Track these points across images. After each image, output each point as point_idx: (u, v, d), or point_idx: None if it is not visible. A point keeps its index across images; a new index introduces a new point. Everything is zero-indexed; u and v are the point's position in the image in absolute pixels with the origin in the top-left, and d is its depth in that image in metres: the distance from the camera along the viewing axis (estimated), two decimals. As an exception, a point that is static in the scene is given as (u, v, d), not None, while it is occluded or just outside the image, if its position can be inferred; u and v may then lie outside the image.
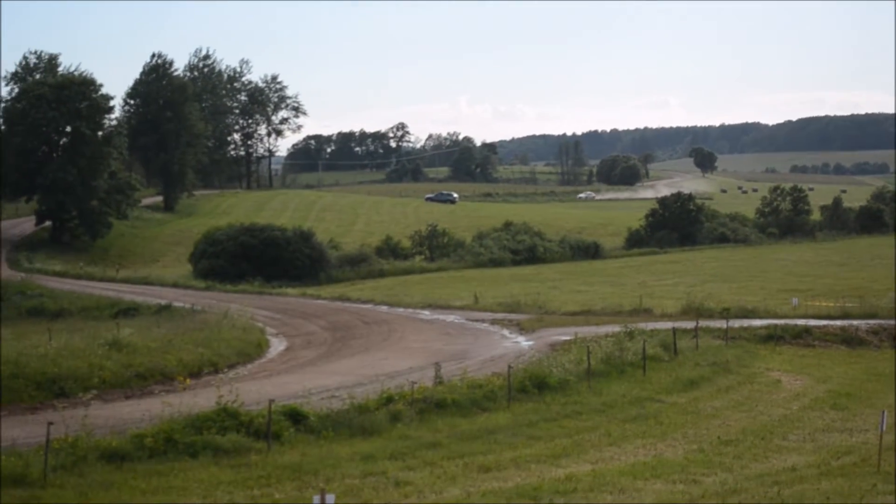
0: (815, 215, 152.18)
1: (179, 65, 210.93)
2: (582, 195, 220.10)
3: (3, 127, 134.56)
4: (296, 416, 29.13)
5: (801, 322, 56.46)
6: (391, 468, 24.80)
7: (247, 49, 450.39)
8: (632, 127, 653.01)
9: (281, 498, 21.64)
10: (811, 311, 61.16)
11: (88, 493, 21.76)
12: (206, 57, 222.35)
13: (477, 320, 63.59)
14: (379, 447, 27.28)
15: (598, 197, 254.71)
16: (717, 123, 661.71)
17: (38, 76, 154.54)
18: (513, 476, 24.16)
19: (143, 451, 25.24)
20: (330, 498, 14.96)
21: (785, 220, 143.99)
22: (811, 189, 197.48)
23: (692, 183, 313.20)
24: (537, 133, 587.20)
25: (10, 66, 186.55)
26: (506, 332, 58.12)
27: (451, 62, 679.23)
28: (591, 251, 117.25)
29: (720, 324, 53.94)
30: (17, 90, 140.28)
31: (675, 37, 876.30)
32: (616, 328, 51.74)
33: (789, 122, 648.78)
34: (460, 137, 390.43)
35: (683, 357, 45.29)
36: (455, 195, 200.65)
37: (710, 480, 23.54)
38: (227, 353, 49.52)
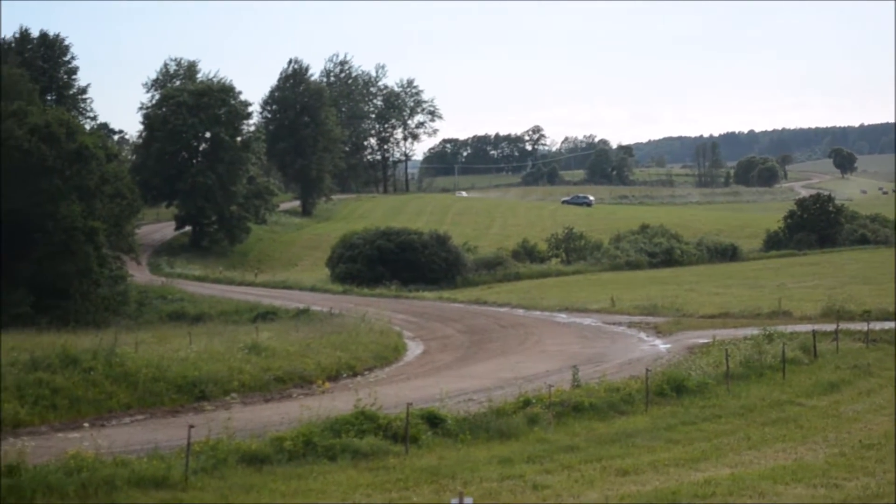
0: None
1: (315, 70, 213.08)
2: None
3: (144, 133, 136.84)
4: (433, 420, 29.17)
5: (945, 324, 55.15)
6: (529, 471, 24.69)
7: (382, 54, 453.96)
8: (769, 128, 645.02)
9: (418, 502, 21.64)
10: (955, 313, 59.75)
11: (228, 496, 21.99)
12: (343, 62, 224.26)
13: (614, 323, 63.25)
14: (516, 450, 27.21)
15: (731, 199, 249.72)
16: (856, 124, 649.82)
17: (177, 83, 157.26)
18: (651, 480, 23.90)
19: (282, 454, 25.44)
20: (468, 500, 14.88)
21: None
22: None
23: (831, 184, 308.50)
24: (674, 135, 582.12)
25: (151, 73, 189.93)
26: (643, 335, 57.78)
27: (587, 64, 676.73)
28: (728, 253, 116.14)
29: (861, 326, 52.82)
30: (157, 96, 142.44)
31: (813, 35, 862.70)
32: (755, 331, 51.05)
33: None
34: (596, 140, 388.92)
35: (823, 360, 44.50)
36: (591, 198, 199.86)
37: (851, 485, 23.07)
38: (364, 356, 49.82)
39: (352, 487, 22.93)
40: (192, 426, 24.55)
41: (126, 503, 21.24)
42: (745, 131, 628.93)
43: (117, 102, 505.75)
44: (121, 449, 25.92)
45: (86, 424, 31.13)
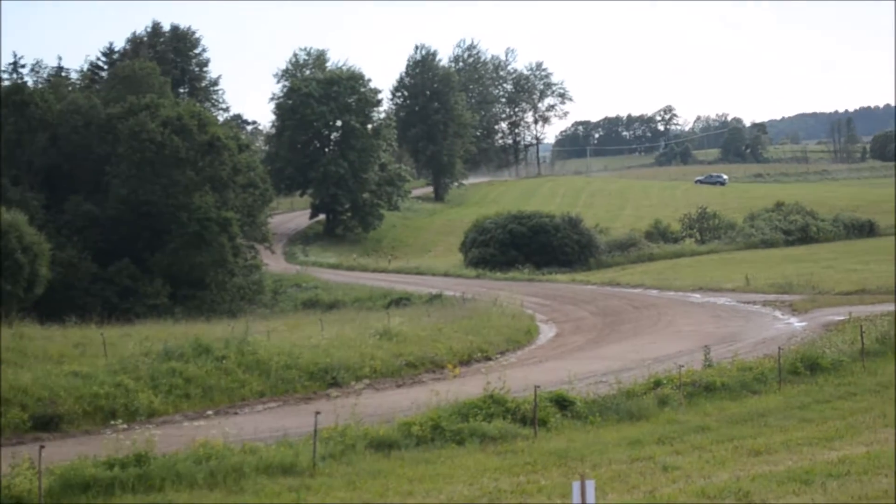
0: None
1: (443, 56, 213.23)
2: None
3: (276, 123, 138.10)
4: (562, 402, 29.04)
5: None
6: (659, 453, 24.45)
7: (511, 38, 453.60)
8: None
9: (546, 484, 21.46)
10: None
11: (356, 482, 22.03)
12: (471, 47, 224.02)
13: (748, 302, 62.44)
14: (646, 432, 26.97)
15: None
16: None
17: (307, 72, 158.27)
18: (784, 459, 23.49)
19: (410, 439, 25.49)
20: (590, 482, 14.72)
21: None
22: None
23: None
24: (807, 111, 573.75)
25: (281, 63, 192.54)
26: (778, 313, 57.02)
27: (719, 40, 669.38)
28: (865, 229, 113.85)
29: None
30: (287, 86, 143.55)
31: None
32: (892, 307, 49.98)
33: None
34: (729, 118, 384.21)
35: (965, 335, 43.46)
36: (725, 177, 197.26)
37: None
38: (496, 340, 49.76)
39: (479, 471, 22.87)
40: (318, 412, 24.63)
41: (253, 490, 21.36)
42: (882, 106, 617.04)
43: (250, 94, 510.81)
44: (250, 436, 26.12)
45: (209, 412, 31.40)
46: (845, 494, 19.94)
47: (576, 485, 14.78)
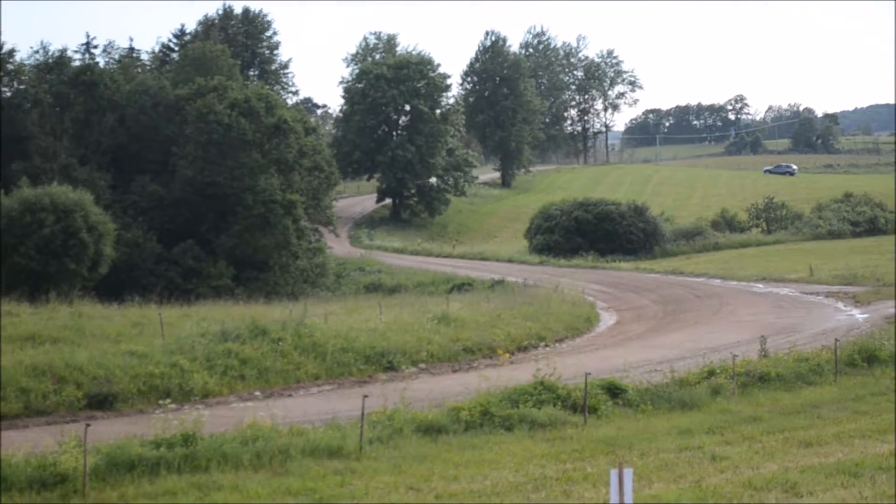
0: None
1: (514, 42, 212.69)
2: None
3: (345, 107, 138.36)
4: (614, 390, 28.97)
5: None
6: (708, 442, 24.38)
7: (583, 25, 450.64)
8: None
9: (592, 472, 21.42)
10: None
11: (401, 465, 22.06)
12: (541, 34, 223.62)
13: (811, 293, 62.03)
14: (697, 421, 26.87)
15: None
16: None
17: (377, 56, 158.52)
18: (835, 451, 23.35)
19: (458, 424, 25.50)
20: (628, 472, 14.64)
21: None
22: None
23: None
24: (881, 102, 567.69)
25: (352, 48, 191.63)
26: (840, 304, 56.62)
27: (792, 30, 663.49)
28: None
29: None
30: (357, 70, 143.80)
31: None
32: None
33: None
34: (801, 108, 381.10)
35: None
36: (794, 167, 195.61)
37: None
38: (555, 327, 49.70)
39: (526, 458, 22.84)
40: (366, 396, 24.72)
41: (299, 472, 21.42)
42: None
43: (322, 77, 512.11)
44: (299, 419, 26.24)
45: (258, 393, 31.55)
46: (894, 488, 19.80)
47: (613, 472, 14.71)
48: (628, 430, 25.73)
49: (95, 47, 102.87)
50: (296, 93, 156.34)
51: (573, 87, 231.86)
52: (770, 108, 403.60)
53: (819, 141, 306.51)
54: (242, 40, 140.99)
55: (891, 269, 69.44)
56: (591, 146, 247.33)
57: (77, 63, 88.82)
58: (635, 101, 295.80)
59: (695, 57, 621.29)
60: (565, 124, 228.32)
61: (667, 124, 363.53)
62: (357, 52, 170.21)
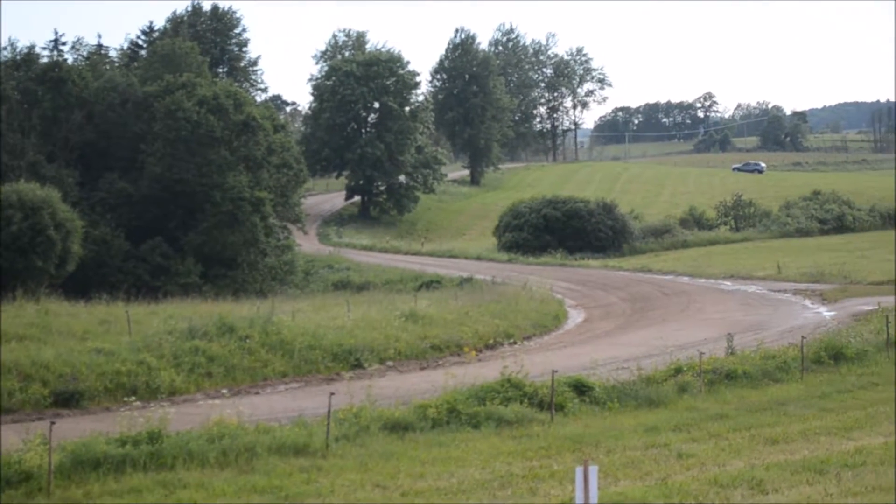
0: None
1: (483, 40, 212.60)
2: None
3: (314, 104, 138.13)
4: (581, 388, 29.01)
5: None
6: (674, 440, 24.44)
7: (551, 23, 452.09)
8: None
9: (559, 469, 21.41)
10: None
11: (368, 463, 22.02)
12: (510, 31, 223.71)
13: (779, 290, 62.34)
14: (664, 419, 26.93)
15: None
16: None
17: (346, 53, 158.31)
18: (800, 449, 23.44)
19: (425, 422, 25.47)
20: (593, 470, 14.65)
21: None
22: None
23: None
24: (849, 100, 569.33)
25: (321, 45, 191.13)
26: (807, 302, 56.95)
27: (760, 27, 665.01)
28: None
29: None
30: (326, 68, 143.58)
31: None
32: (924, 297, 49.80)
33: None
34: (770, 106, 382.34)
35: None
36: (763, 165, 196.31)
37: None
38: (523, 324, 49.79)
39: (493, 455, 22.85)
40: (332, 394, 24.66)
41: (265, 470, 21.37)
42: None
43: (291, 75, 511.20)
44: (266, 416, 26.20)
45: (224, 391, 31.51)
46: (860, 485, 19.93)
47: (579, 470, 14.70)
48: (595, 428, 25.77)
49: (64, 44, 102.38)
50: (265, 90, 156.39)
51: (542, 84, 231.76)
52: (739, 105, 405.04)
53: (787, 139, 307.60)
54: (211, 37, 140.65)
55: (858, 267, 69.93)
56: (560, 144, 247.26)
57: (45, 60, 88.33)
58: (604, 99, 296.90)
59: (664, 55, 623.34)
60: (534, 122, 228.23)
61: (636, 122, 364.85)
62: (326, 50, 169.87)
